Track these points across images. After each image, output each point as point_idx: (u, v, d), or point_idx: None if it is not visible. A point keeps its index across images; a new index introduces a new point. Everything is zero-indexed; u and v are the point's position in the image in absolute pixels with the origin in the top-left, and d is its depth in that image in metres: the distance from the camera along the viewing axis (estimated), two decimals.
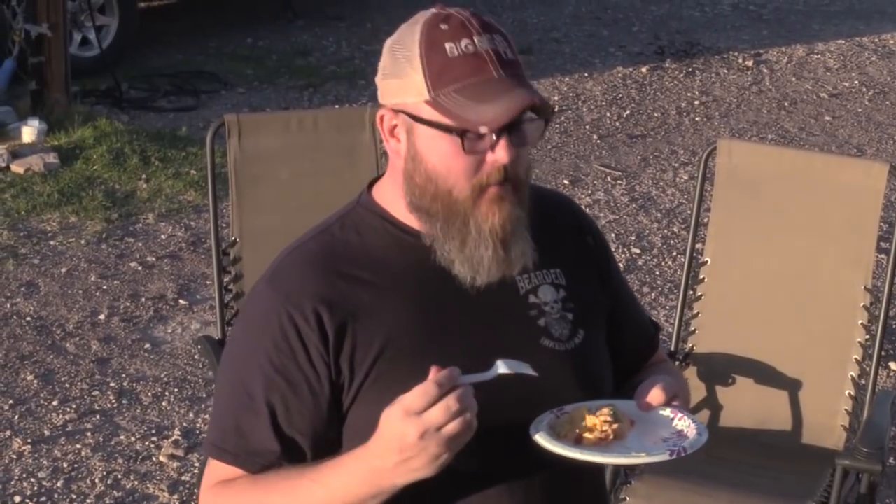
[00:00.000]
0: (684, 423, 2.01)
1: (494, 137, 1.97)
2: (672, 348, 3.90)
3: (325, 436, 2.02)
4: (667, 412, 2.03)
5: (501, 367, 1.93)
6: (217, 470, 2.08)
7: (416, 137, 2.02)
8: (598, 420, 1.98)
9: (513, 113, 1.95)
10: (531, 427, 1.98)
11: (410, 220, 2.07)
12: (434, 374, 1.84)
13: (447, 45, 1.98)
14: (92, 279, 5.82)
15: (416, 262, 2.05)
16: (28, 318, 5.44)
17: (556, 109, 2.12)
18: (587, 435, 1.96)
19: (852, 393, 3.70)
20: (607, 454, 1.94)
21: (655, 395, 2.04)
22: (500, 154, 1.98)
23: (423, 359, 1.98)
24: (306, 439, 2.02)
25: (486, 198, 1.99)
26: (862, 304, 3.71)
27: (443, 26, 2.00)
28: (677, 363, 3.82)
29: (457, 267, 2.03)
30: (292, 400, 2.01)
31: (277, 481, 2.02)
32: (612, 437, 1.96)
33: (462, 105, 1.96)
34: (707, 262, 3.91)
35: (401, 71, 2.02)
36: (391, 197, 2.08)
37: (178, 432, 4.64)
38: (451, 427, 1.83)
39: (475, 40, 1.99)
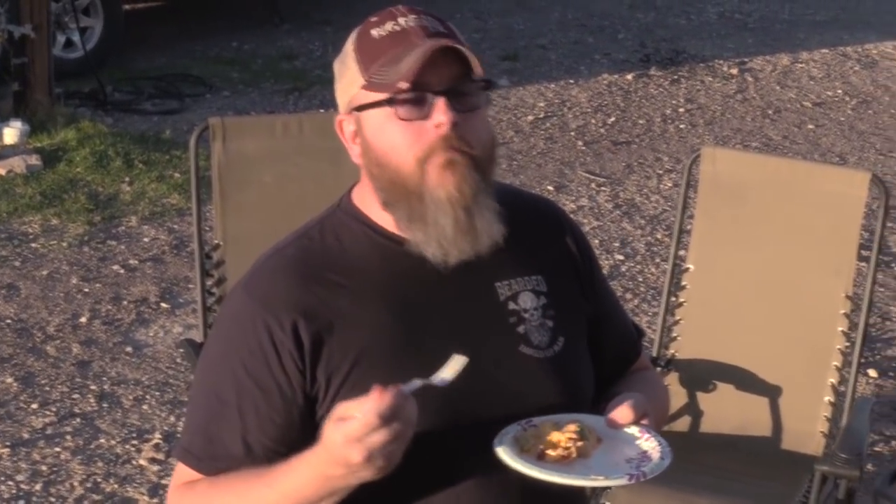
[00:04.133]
0: (650, 444, 1.98)
1: (433, 101, 1.96)
2: (654, 354, 3.90)
3: (298, 442, 2.01)
4: (634, 431, 2.00)
5: (447, 373, 1.90)
6: (183, 472, 2.08)
7: (364, 129, 2.03)
8: (563, 437, 1.95)
9: (424, 58, 1.92)
10: (496, 439, 1.95)
11: (388, 223, 2.06)
12: (377, 396, 1.80)
13: (374, 31, 2.01)
14: (73, 282, 5.80)
15: (396, 268, 2.04)
16: (8, 321, 5.42)
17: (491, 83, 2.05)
18: (550, 451, 1.94)
19: (832, 399, 3.71)
20: (565, 474, 1.90)
21: (624, 414, 2.01)
22: (437, 117, 1.95)
23: (399, 367, 1.97)
24: (277, 445, 2.01)
25: (434, 165, 1.96)
26: (842, 311, 3.72)
27: (373, 19, 2.03)
28: (659, 369, 3.83)
29: (428, 251, 2.00)
30: (263, 406, 2.00)
31: (234, 483, 2.01)
32: (574, 455, 1.94)
33: (388, 73, 1.97)
34: (690, 268, 3.92)
35: (342, 71, 2.05)
36: (368, 201, 2.08)
37: (159, 436, 4.63)
38: (395, 445, 1.82)
39: (400, 21, 2.00)
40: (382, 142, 2.00)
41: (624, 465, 1.94)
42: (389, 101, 1.97)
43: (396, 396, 1.80)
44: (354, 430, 1.80)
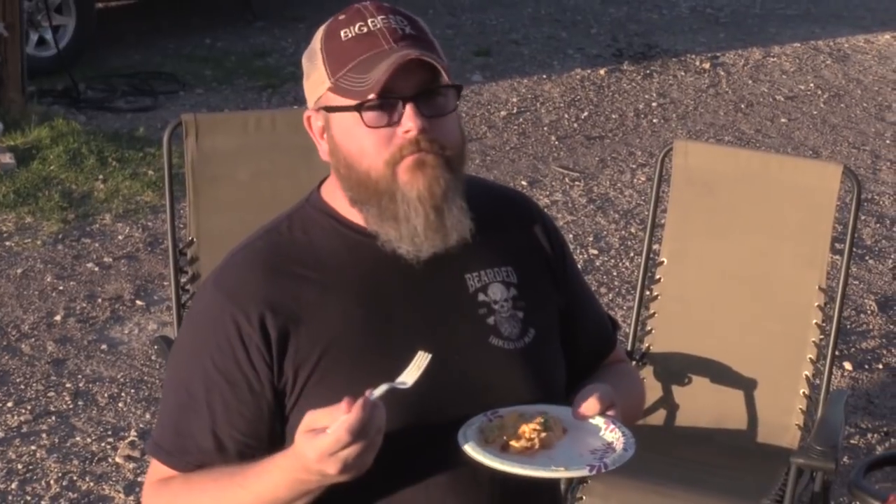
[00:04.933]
0: (614, 436, 1.99)
1: (402, 108, 1.97)
2: (629, 348, 3.91)
3: (268, 435, 2.02)
4: (599, 422, 2.01)
5: (411, 375, 1.90)
6: (157, 467, 2.09)
7: (332, 129, 2.03)
8: (527, 428, 1.96)
9: (392, 70, 1.93)
10: (461, 430, 1.96)
11: (356, 217, 2.06)
12: (347, 410, 1.81)
13: (342, 32, 2.01)
14: (48, 280, 5.78)
15: (364, 260, 2.05)
16: None
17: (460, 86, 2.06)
18: (514, 443, 1.95)
19: (807, 392, 3.73)
20: (528, 466, 1.91)
21: (590, 405, 2.02)
22: (406, 124, 1.96)
23: (366, 359, 1.98)
24: (247, 438, 2.01)
25: (404, 167, 1.97)
26: (816, 304, 3.74)
27: (340, 17, 2.03)
28: (634, 363, 3.84)
29: (400, 247, 2.01)
30: (232, 400, 2.01)
31: (207, 483, 2.01)
32: (538, 446, 1.95)
33: (356, 81, 1.97)
34: (663, 262, 3.93)
35: (310, 69, 2.05)
36: (337, 196, 2.08)
37: (135, 433, 4.62)
38: (368, 454, 1.84)
39: (368, 22, 2.00)
40: (351, 145, 2.00)
41: (587, 457, 1.95)
42: (358, 108, 1.97)
43: (365, 409, 1.81)
44: (326, 445, 1.82)
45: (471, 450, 1.93)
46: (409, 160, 1.97)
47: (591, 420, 2.02)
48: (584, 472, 1.94)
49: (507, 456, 1.93)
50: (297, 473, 1.90)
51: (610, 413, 2.03)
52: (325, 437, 1.82)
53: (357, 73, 1.97)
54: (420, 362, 1.91)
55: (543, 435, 1.96)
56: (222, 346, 2.01)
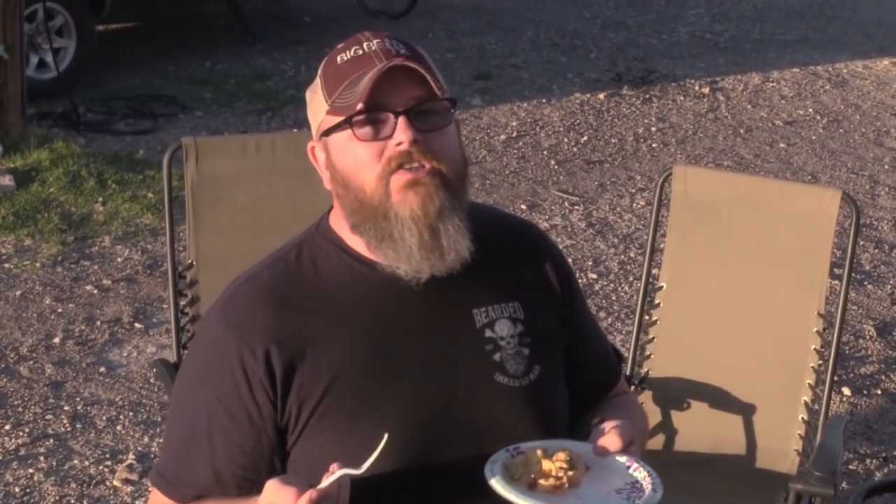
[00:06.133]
0: (640, 474, 1.97)
1: (394, 122, 1.97)
2: (628, 373, 3.91)
3: (267, 469, 2.01)
4: (622, 459, 1.99)
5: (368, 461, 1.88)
6: (157, 497, 2.08)
7: (331, 153, 2.04)
8: (553, 465, 1.94)
9: (376, 77, 1.93)
10: (487, 467, 1.93)
11: (361, 246, 2.06)
12: (294, 498, 1.80)
13: (338, 57, 2.03)
14: (47, 302, 5.78)
15: (371, 294, 2.04)
16: None
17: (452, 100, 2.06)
18: (542, 481, 1.92)
19: (805, 417, 3.72)
20: None
21: (612, 442, 1.99)
22: (398, 136, 1.96)
23: (369, 395, 1.98)
24: (247, 472, 2.01)
25: (398, 185, 1.97)
26: (815, 329, 3.73)
27: (340, 45, 2.05)
28: (633, 387, 3.83)
29: (399, 268, 2.00)
30: (233, 433, 2.00)
31: None
32: (566, 484, 1.92)
33: (347, 96, 1.98)
34: (663, 286, 3.93)
35: (312, 97, 2.07)
36: (342, 224, 2.08)
37: (133, 456, 4.61)
38: None
39: (364, 45, 2.02)
40: (345, 162, 2.01)
41: (615, 498, 1.93)
42: (348, 122, 1.98)
43: (315, 499, 1.79)
44: None
45: (501, 488, 1.90)
46: (402, 180, 1.97)
47: (614, 457, 1.99)
48: None
49: (537, 495, 1.90)
50: None
51: (632, 449, 2.01)
52: None
53: (349, 90, 1.98)
54: (379, 447, 1.87)
55: (571, 473, 1.93)
56: (226, 380, 2.00)
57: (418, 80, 1.98)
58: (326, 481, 1.82)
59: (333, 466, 1.83)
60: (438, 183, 1.98)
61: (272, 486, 1.84)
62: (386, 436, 1.85)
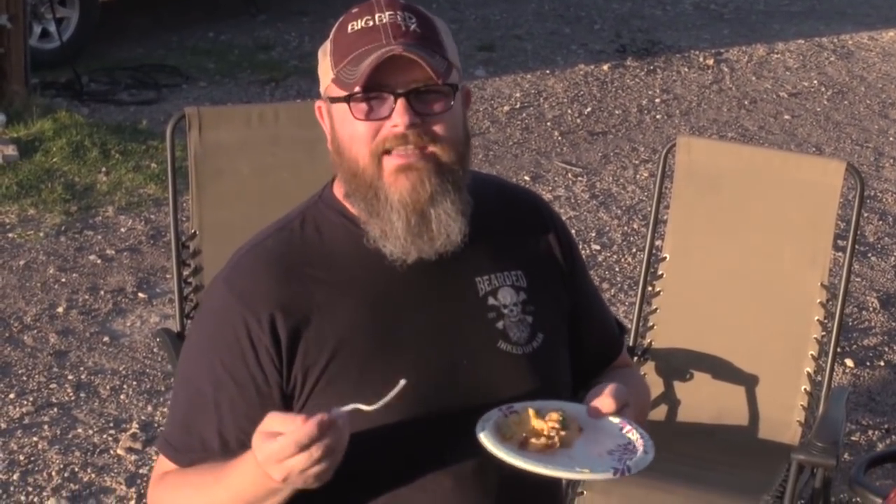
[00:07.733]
0: (633, 436, 1.97)
1: (394, 103, 1.97)
2: (631, 344, 3.91)
3: None
4: (616, 421, 1.99)
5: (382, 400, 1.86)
6: (163, 462, 2.10)
7: (333, 117, 2.04)
8: (546, 425, 1.93)
9: (374, 64, 1.93)
10: (478, 424, 1.94)
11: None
12: (302, 420, 1.80)
13: (349, 24, 2.01)
14: (50, 272, 5.78)
15: (375, 262, 2.04)
16: None
17: (459, 81, 2.04)
18: (533, 440, 1.92)
19: (808, 389, 3.73)
20: (550, 466, 1.88)
21: (606, 403, 1.99)
22: (395, 118, 1.96)
23: (373, 362, 1.98)
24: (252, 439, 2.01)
25: (391, 168, 1.97)
26: (818, 300, 3.74)
27: (353, 10, 2.03)
28: (636, 359, 3.84)
29: (385, 246, 2.01)
30: (239, 400, 2.00)
31: (195, 478, 2.02)
32: (558, 444, 1.92)
33: (350, 73, 1.97)
34: (666, 258, 3.93)
35: (322, 59, 2.07)
36: (343, 192, 2.09)
37: (136, 425, 4.63)
38: (313, 470, 1.82)
39: (376, 16, 2.00)
40: (344, 132, 2.01)
41: (607, 458, 1.92)
42: (346, 99, 1.97)
43: (320, 426, 1.79)
44: (272, 451, 1.81)
45: (491, 445, 1.91)
46: (395, 163, 1.97)
47: (607, 419, 1.99)
48: (609, 476, 1.90)
49: (528, 454, 1.91)
50: (258, 474, 1.89)
51: (626, 412, 2.01)
52: (272, 442, 1.81)
53: (352, 66, 1.98)
54: (396, 389, 1.86)
55: (563, 433, 1.93)
56: (232, 347, 2.01)
57: (422, 59, 1.97)
58: (337, 412, 1.83)
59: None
60: (432, 167, 1.98)
61: (275, 416, 1.84)
62: (403, 381, 1.86)
